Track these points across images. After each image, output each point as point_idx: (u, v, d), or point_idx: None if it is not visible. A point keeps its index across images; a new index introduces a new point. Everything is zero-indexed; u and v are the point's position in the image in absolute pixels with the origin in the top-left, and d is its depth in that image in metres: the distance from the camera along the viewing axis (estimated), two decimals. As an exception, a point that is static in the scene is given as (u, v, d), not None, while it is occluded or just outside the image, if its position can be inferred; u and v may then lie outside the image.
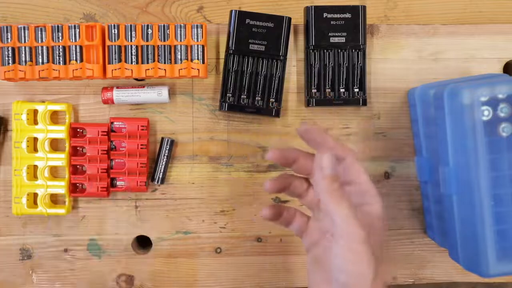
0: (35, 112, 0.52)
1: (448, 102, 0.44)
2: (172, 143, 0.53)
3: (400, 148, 0.55)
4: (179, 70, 0.50)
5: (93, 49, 0.50)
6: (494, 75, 0.51)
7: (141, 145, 0.52)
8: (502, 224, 0.43)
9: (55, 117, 0.53)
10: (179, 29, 0.50)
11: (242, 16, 0.51)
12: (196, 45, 0.50)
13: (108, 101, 0.52)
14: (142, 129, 0.52)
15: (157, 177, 0.53)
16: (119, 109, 0.53)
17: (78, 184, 0.53)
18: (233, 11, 0.51)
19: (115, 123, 0.52)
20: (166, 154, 0.53)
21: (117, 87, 0.52)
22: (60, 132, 0.52)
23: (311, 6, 0.51)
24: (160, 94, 0.52)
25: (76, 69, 0.50)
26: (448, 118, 0.44)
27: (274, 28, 0.51)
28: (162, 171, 0.53)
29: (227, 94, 0.51)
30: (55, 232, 0.53)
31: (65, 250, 0.54)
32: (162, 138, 0.53)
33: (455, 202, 0.45)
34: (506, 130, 0.42)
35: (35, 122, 0.52)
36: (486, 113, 0.42)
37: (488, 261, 0.43)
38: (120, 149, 0.52)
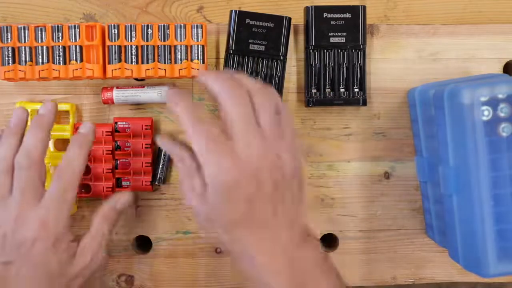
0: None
1: (448, 102, 0.44)
2: (172, 143, 0.53)
3: (400, 148, 0.55)
4: (179, 70, 0.50)
5: (93, 49, 0.50)
6: (494, 75, 0.51)
7: (146, 144, 0.52)
8: (502, 224, 0.43)
9: (58, 117, 0.53)
10: (179, 29, 0.50)
11: (242, 16, 0.50)
12: (196, 45, 0.50)
13: (108, 101, 0.52)
14: (146, 129, 0.52)
15: (158, 177, 0.53)
16: (119, 109, 0.53)
17: (83, 185, 0.53)
18: (233, 11, 0.51)
19: (119, 123, 0.52)
20: (166, 154, 0.53)
21: (117, 87, 0.52)
22: (64, 132, 0.52)
23: (311, 6, 0.51)
24: (160, 94, 0.52)
25: (76, 69, 0.50)
26: (448, 118, 0.44)
27: (274, 28, 0.51)
28: (162, 171, 0.53)
29: (227, 94, 0.51)
30: (55, 232, 0.53)
31: (65, 250, 0.54)
32: (162, 138, 0.53)
33: (455, 202, 0.45)
34: (506, 130, 0.42)
35: (39, 122, 0.52)
36: (486, 113, 0.42)
37: (488, 261, 0.43)
38: (125, 149, 0.52)
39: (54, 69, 0.50)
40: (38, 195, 0.44)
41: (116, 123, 0.52)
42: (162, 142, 0.44)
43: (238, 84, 0.40)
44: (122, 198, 0.48)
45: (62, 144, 0.53)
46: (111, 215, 0.48)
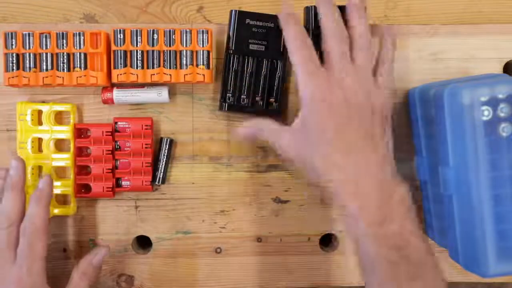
0: (39, 112, 0.52)
1: (448, 102, 0.44)
2: (172, 142, 0.53)
3: (400, 148, 0.55)
4: (184, 75, 0.50)
5: (97, 56, 0.50)
6: (494, 75, 0.51)
7: (146, 144, 0.52)
8: (502, 224, 0.43)
9: (58, 117, 0.53)
10: (184, 34, 0.50)
11: (242, 16, 0.50)
12: (201, 51, 0.50)
13: (108, 101, 0.52)
14: (146, 129, 0.52)
15: (157, 177, 0.53)
16: (119, 109, 0.53)
17: (83, 185, 0.53)
18: (233, 11, 0.51)
19: (119, 123, 0.52)
20: (165, 154, 0.53)
21: (117, 87, 0.52)
22: (64, 132, 0.52)
23: (311, 6, 0.51)
24: (160, 94, 0.52)
25: (80, 76, 0.50)
26: (448, 118, 0.44)
27: (274, 28, 0.51)
28: (162, 171, 0.53)
29: (227, 94, 0.51)
30: (55, 232, 0.53)
31: (65, 250, 0.54)
32: (161, 138, 0.53)
33: (455, 202, 0.45)
34: (506, 130, 0.42)
35: (40, 123, 0.52)
36: (486, 113, 0.42)
37: (488, 261, 0.43)
38: (125, 149, 0.52)
39: (58, 76, 0.50)
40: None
41: (116, 123, 0.52)
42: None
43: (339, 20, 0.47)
44: (99, 254, 0.50)
45: (62, 144, 0.54)
46: (89, 271, 0.49)
